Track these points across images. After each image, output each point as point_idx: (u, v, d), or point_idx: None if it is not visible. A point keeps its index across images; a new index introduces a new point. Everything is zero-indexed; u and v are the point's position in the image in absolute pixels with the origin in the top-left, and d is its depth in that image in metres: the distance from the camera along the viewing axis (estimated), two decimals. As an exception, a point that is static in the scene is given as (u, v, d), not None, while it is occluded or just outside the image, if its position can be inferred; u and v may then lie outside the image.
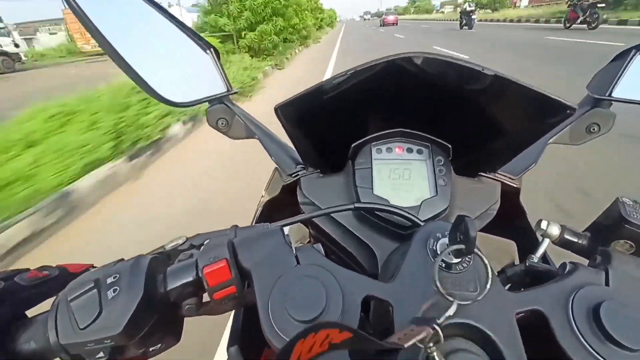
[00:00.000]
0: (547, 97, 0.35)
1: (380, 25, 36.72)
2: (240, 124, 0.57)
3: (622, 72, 0.49)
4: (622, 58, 0.51)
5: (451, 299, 0.25)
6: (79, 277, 0.29)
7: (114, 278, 0.28)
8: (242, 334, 0.49)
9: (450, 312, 0.24)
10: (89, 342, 0.26)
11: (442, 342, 0.23)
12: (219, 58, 0.54)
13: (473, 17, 18.31)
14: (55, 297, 0.29)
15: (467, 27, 18.63)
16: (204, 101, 0.54)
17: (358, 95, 0.42)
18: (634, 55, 0.50)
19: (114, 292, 0.28)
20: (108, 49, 0.39)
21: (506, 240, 0.51)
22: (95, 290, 0.27)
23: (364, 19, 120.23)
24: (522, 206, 0.54)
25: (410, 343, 0.21)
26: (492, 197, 0.47)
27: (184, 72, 0.52)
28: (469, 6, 18.83)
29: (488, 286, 0.26)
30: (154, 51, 0.47)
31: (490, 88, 0.38)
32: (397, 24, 36.65)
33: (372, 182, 0.44)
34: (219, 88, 0.55)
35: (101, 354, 0.27)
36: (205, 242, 0.33)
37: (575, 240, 0.38)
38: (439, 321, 0.23)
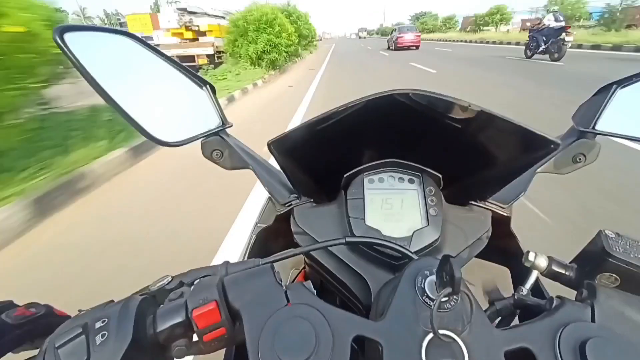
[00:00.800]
0: (532, 132, 0.36)
1: (390, 49, 23.05)
2: (234, 154, 0.58)
3: (605, 106, 0.51)
4: (604, 92, 0.53)
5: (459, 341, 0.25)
6: (67, 322, 0.29)
7: (102, 322, 0.28)
8: None
9: None
10: None
11: None
12: (214, 93, 0.56)
13: (567, 39, 9.88)
14: (41, 339, 0.29)
15: (548, 57, 10.51)
16: (200, 138, 0.55)
17: (349, 128, 0.43)
18: (614, 91, 0.52)
19: (102, 337, 0.28)
20: (98, 90, 0.39)
21: (500, 267, 0.51)
22: (83, 336, 0.27)
23: (359, 37, 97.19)
24: (514, 234, 0.55)
25: None
26: (484, 226, 0.48)
27: (179, 109, 0.53)
28: (557, 19, 10.45)
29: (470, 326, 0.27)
30: (146, 91, 0.48)
31: (477, 122, 0.39)
32: (418, 47, 22.10)
33: (364, 212, 0.45)
34: (214, 123, 0.56)
35: None
36: (195, 282, 0.33)
37: (563, 272, 0.39)
38: None
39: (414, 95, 0.37)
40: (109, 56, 0.45)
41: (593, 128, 0.51)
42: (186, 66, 0.53)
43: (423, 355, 0.27)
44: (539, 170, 0.54)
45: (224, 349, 0.49)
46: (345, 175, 0.48)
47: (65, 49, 0.37)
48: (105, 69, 0.42)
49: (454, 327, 0.28)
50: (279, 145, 0.43)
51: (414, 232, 0.43)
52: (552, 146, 0.37)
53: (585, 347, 0.26)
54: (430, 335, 0.27)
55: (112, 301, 0.32)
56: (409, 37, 22.31)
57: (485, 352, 0.27)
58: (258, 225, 0.59)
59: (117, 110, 0.41)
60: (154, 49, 0.50)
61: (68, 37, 0.38)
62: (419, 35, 22.95)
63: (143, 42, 0.48)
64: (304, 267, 0.59)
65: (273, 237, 0.57)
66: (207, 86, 0.55)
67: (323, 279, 0.49)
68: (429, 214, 0.45)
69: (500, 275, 0.51)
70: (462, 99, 0.36)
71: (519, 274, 0.49)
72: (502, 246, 0.52)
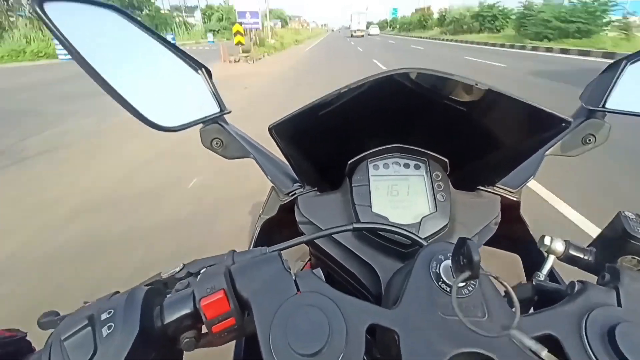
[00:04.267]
0: (542, 110, 0.35)
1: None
2: (235, 143, 0.56)
3: (614, 83, 0.50)
4: (613, 69, 0.51)
5: (482, 333, 0.24)
6: (72, 314, 0.28)
7: (108, 314, 0.27)
8: None
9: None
10: None
11: None
12: (210, 77, 0.54)
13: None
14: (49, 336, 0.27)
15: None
16: (197, 123, 0.52)
17: (353, 111, 0.41)
18: (624, 67, 0.50)
19: (109, 329, 0.26)
20: (87, 69, 0.35)
21: (511, 254, 0.50)
22: (89, 328, 0.26)
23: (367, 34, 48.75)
24: (524, 219, 0.54)
25: None
26: (493, 211, 0.46)
27: (173, 93, 0.50)
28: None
29: (516, 321, 0.24)
30: (139, 72, 0.44)
31: (484, 102, 0.38)
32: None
33: (370, 199, 0.44)
34: (212, 108, 0.54)
35: None
36: (202, 271, 0.32)
37: (581, 256, 0.38)
38: None
39: (419, 75, 0.36)
40: (96, 31, 0.40)
41: (603, 106, 0.50)
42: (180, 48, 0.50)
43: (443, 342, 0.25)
44: (547, 152, 0.52)
45: (234, 341, 0.48)
46: (349, 162, 0.47)
47: (47, 20, 0.33)
48: (92, 44, 0.37)
49: (473, 314, 0.27)
50: (280, 130, 0.42)
51: (422, 219, 0.42)
52: (563, 124, 0.35)
53: (614, 333, 0.25)
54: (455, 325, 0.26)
55: (118, 292, 0.30)
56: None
57: (508, 341, 0.26)
58: (262, 216, 0.57)
59: (106, 89, 0.37)
60: (145, 27, 0.46)
61: (49, 7, 0.34)
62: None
63: (133, 18, 0.44)
64: (310, 259, 0.58)
65: (277, 229, 0.56)
66: (203, 69, 0.52)
67: (330, 270, 0.48)
68: (436, 199, 0.43)
69: (510, 263, 0.50)
70: (468, 77, 0.35)
71: (531, 261, 0.48)
72: (512, 232, 0.51)
